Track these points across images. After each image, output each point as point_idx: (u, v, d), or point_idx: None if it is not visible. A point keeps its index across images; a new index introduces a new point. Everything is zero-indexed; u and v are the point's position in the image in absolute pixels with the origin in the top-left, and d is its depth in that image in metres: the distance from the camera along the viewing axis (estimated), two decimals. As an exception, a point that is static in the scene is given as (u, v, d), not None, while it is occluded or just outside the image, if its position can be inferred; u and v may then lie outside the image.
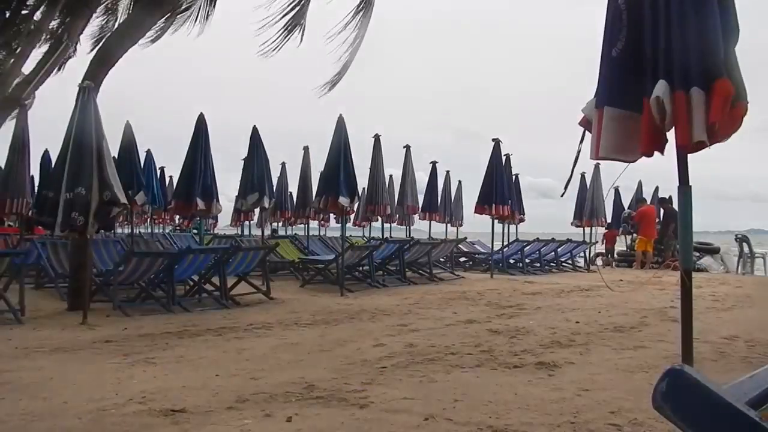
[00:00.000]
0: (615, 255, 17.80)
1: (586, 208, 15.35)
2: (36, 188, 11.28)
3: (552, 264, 14.71)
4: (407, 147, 15.06)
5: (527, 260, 14.12)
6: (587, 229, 15.56)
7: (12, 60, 14.84)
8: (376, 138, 12.86)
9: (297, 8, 9.85)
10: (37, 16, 13.86)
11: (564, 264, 14.99)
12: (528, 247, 14.25)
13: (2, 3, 12.74)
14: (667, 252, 15.05)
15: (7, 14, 13.14)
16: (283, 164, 16.03)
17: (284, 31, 9.96)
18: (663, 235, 15.42)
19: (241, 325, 6.42)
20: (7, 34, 14.27)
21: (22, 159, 10.11)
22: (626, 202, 17.48)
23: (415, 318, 6.97)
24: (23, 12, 13.49)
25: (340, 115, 10.32)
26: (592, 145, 3.21)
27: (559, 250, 14.68)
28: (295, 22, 9.99)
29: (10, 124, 12.27)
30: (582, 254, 15.78)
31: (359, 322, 6.74)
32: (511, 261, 14.24)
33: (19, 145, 10.00)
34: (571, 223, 15.79)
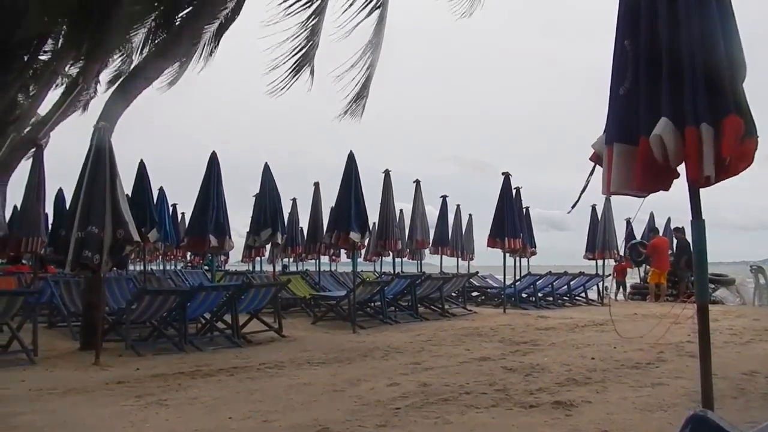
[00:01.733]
0: (628, 288, 17.61)
1: (599, 241, 15.27)
2: (50, 226, 11.41)
3: (565, 298, 14.56)
4: (417, 181, 15.14)
5: (540, 294, 14.00)
6: (600, 262, 15.46)
7: (29, 101, 15.19)
8: (386, 173, 12.95)
9: (305, 49, 10.02)
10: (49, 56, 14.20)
11: (577, 298, 14.84)
12: (540, 281, 14.14)
13: (21, 47, 13.09)
14: (681, 284, 14.88)
15: (26, 58, 13.49)
16: (294, 200, 16.13)
17: (292, 71, 10.11)
18: (676, 266, 15.26)
19: (253, 364, 6.37)
20: (24, 77, 14.61)
21: (37, 198, 10.27)
22: (639, 233, 17.36)
23: (429, 356, 6.90)
24: (41, 56, 13.85)
25: (351, 151, 10.44)
26: (603, 180, 3.24)
27: (572, 283, 14.55)
28: (303, 62, 10.15)
29: (26, 164, 12.50)
30: (596, 287, 15.62)
31: (372, 360, 6.68)
32: (524, 295, 14.11)
33: (35, 185, 10.18)
34: (584, 256, 15.69)
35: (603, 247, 15.23)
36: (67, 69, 13.95)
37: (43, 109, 14.59)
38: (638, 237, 17.04)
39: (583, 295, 15.05)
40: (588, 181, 3.44)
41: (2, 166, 11.31)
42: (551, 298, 14.23)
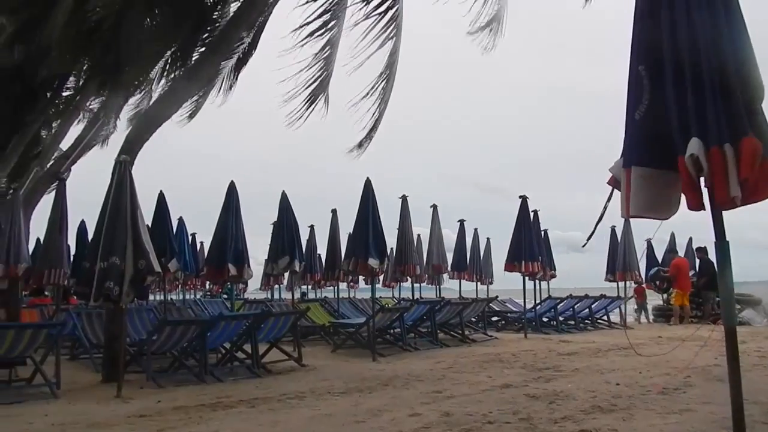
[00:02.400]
0: (650, 310, 17.32)
1: (619, 262, 15.08)
2: (72, 258, 11.55)
3: (587, 321, 14.36)
4: (434, 206, 15.13)
5: (561, 318, 13.83)
6: (621, 284, 15.25)
7: (51, 136, 15.54)
8: (404, 199, 12.97)
9: (319, 80, 10.16)
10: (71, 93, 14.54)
11: (599, 321, 14.62)
12: (561, 305, 13.98)
13: (45, 84, 13.44)
14: (706, 305, 14.59)
15: (49, 95, 13.85)
16: (312, 227, 16.19)
17: (307, 102, 10.25)
18: (700, 287, 14.99)
19: (274, 395, 6.35)
20: (47, 113, 14.98)
21: (60, 230, 10.45)
22: (659, 254, 17.12)
23: (450, 383, 6.82)
24: (63, 93, 14.20)
25: (367, 177, 10.50)
26: (622, 203, 3.23)
27: (593, 306, 14.36)
28: (318, 92, 10.29)
29: (48, 197, 12.74)
30: (618, 310, 15.38)
31: (393, 389, 6.61)
32: (545, 319, 13.95)
33: (58, 218, 10.36)
34: (605, 278, 15.50)
35: (624, 269, 15.04)
36: (88, 104, 14.30)
37: (65, 143, 14.95)
38: (659, 257, 16.82)
39: (605, 318, 14.84)
40: (605, 208, 3.44)
41: (26, 200, 11.55)
42: (573, 322, 14.04)
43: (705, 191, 2.89)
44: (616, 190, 3.33)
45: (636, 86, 3.17)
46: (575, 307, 14.09)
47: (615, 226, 15.45)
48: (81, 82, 14.00)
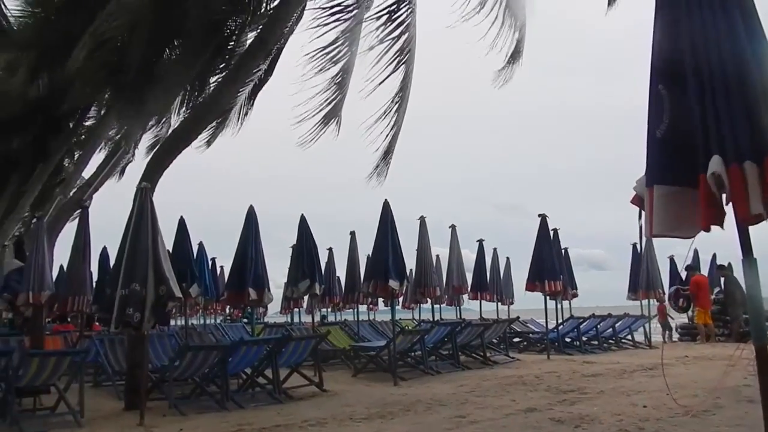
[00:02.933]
0: (676, 329, 16.98)
1: (642, 280, 14.85)
2: (94, 285, 11.67)
3: (611, 341, 14.12)
4: (453, 227, 15.07)
5: (584, 338, 13.62)
6: (644, 302, 15.00)
7: (74, 165, 15.84)
8: (422, 220, 12.95)
9: (333, 104, 10.26)
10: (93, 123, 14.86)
11: (623, 341, 14.37)
12: (584, 324, 13.77)
13: (68, 115, 13.74)
14: (734, 323, 14.29)
15: (71, 125, 14.15)
16: (330, 249, 16.22)
17: (321, 124, 10.33)
18: (726, 304, 14.68)
19: (295, 422, 6.30)
20: (70, 143, 15.30)
21: (83, 258, 10.58)
22: (684, 272, 16.81)
23: (473, 408, 6.72)
24: (85, 123, 14.51)
25: (386, 200, 10.52)
26: (645, 223, 3.19)
27: (617, 325, 14.13)
28: (331, 115, 10.38)
29: (71, 224, 12.94)
30: (642, 329, 15.10)
31: (415, 414, 6.53)
32: (568, 339, 13.74)
33: (81, 245, 10.50)
34: (628, 297, 15.27)
35: (647, 287, 14.80)
36: (109, 134, 14.57)
37: (87, 172, 15.23)
38: (684, 277, 16.52)
39: (629, 337, 14.58)
40: (641, 228, 3.38)
41: (50, 227, 11.74)
42: (596, 342, 13.81)
43: (729, 207, 2.85)
44: (642, 210, 3.30)
45: (656, 105, 3.16)
46: (598, 326, 13.87)
47: (636, 243, 15.28)
48: (102, 112, 14.30)
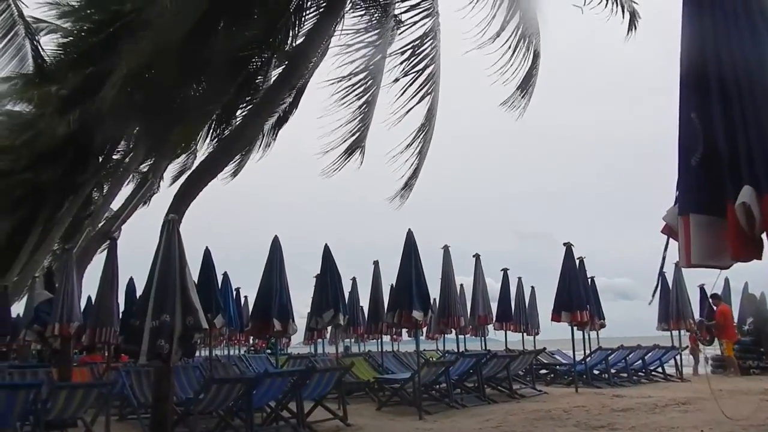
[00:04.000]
0: (707, 360, 16.50)
1: (672, 310, 14.52)
2: (121, 316, 11.76)
3: (641, 373, 13.77)
4: (477, 256, 14.97)
5: (613, 370, 13.30)
6: (675, 333, 14.65)
7: (103, 197, 16.17)
8: (446, 249, 12.91)
9: (357, 135, 10.37)
10: (126, 157, 15.20)
11: (654, 373, 14.00)
12: (613, 356, 13.46)
13: (97, 148, 14.07)
14: (768, 355, 13.88)
15: (101, 158, 14.48)
16: (354, 279, 16.16)
17: (345, 154, 10.44)
18: (762, 336, 14.27)
19: (321, 456, 6.21)
20: (99, 175, 15.64)
21: (111, 289, 10.69)
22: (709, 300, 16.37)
23: (501, 443, 6.57)
24: (114, 156, 14.84)
25: (409, 229, 10.50)
26: (680, 253, 3.12)
27: (647, 357, 13.79)
28: (355, 146, 10.48)
29: (100, 256, 13.12)
30: (673, 361, 14.71)
31: (442, 449, 6.40)
32: (596, 372, 13.44)
33: (109, 277, 10.62)
34: (658, 327, 14.91)
35: (678, 317, 14.46)
36: (137, 166, 14.87)
37: (115, 204, 15.51)
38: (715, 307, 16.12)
39: (659, 369, 14.20)
40: (664, 258, 3.33)
41: (79, 259, 11.92)
42: (625, 375, 13.48)
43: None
44: (672, 240, 3.24)
45: (689, 133, 3.12)
46: (627, 358, 13.55)
47: (666, 272, 14.98)
48: (131, 146, 14.62)
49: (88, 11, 11.49)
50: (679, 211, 3.11)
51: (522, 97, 11.02)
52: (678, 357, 14.58)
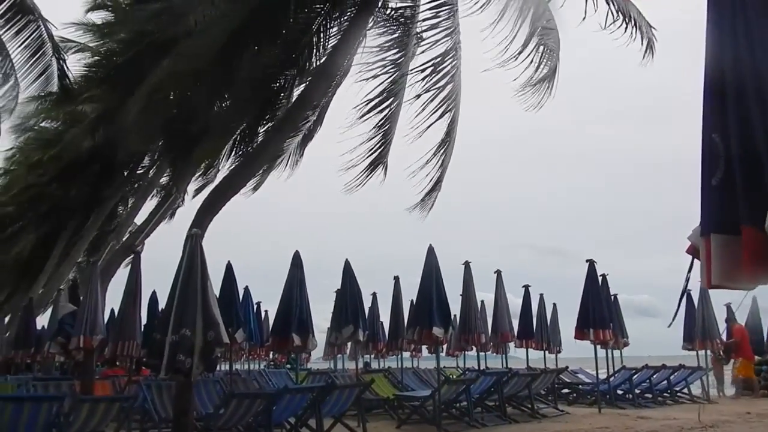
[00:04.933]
0: (732, 382, 16.11)
1: (697, 329, 14.22)
2: (143, 329, 11.88)
3: (666, 394, 13.48)
4: (498, 272, 14.85)
5: (637, 390, 13.03)
6: (701, 352, 14.34)
7: (127, 212, 16.44)
8: (466, 265, 12.83)
9: (378, 151, 10.43)
10: (150, 173, 15.47)
11: (680, 394, 13.69)
12: (637, 376, 13.20)
13: (121, 163, 14.34)
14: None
15: (125, 173, 14.75)
16: (374, 294, 16.12)
17: (367, 170, 10.51)
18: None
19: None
20: (124, 190, 15.91)
21: (134, 302, 10.80)
22: (741, 319, 16.03)
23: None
24: (138, 171, 15.11)
25: (430, 245, 10.48)
26: (702, 273, 3.08)
27: (672, 377, 13.50)
28: (377, 161, 10.54)
29: (123, 270, 13.32)
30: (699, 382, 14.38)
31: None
32: (620, 392, 13.18)
33: (132, 290, 10.73)
34: (683, 347, 14.62)
35: (704, 336, 14.15)
36: (161, 181, 15.12)
37: (139, 218, 15.77)
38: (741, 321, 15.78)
39: (685, 390, 13.89)
40: (687, 279, 3.29)
41: (103, 272, 12.11)
42: (650, 395, 13.20)
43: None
44: (696, 260, 3.21)
45: (711, 153, 3.09)
46: (652, 378, 13.28)
47: (691, 290, 14.70)
48: (155, 161, 14.88)
49: (114, 30, 11.78)
50: (700, 231, 3.08)
51: (536, 91, 10.95)
52: (705, 378, 14.25)
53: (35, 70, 11.73)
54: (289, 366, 18.99)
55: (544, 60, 10.36)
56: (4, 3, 10.71)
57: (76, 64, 12.57)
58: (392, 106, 9.96)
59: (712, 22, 3.25)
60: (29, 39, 11.44)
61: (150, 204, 15.40)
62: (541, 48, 10.27)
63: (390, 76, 9.87)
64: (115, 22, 12.02)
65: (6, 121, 13.63)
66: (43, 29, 11.50)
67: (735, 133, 2.93)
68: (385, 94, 9.74)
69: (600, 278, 12.82)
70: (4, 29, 11.08)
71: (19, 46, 11.46)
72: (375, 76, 9.69)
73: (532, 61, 10.15)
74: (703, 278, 3.08)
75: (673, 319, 3.47)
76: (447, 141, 10.73)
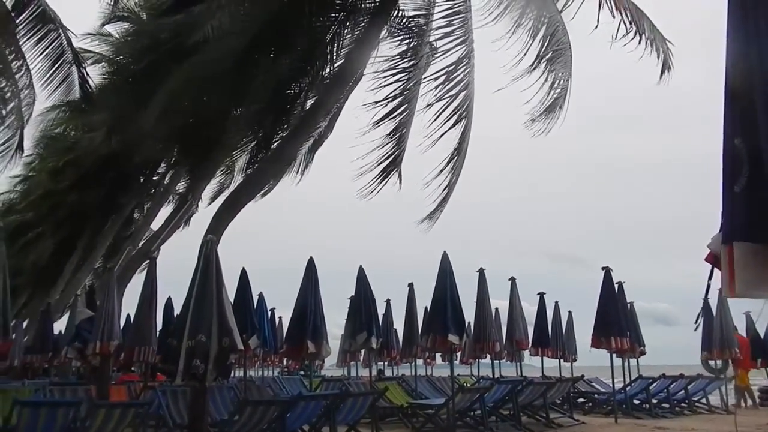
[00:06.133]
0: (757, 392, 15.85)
1: (716, 337, 14.00)
2: (158, 334, 11.93)
3: (684, 404, 13.28)
4: (512, 279, 14.75)
5: (654, 400, 12.86)
6: (720, 362, 14.11)
7: (143, 218, 16.58)
8: (481, 272, 12.75)
9: (391, 158, 10.44)
10: (166, 180, 15.61)
11: (698, 404, 13.49)
12: (654, 385, 13.03)
13: (138, 170, 14.48)
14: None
15: (141, 179, 14.89)
16: (388, 301, 16.07)
17: (380, 177, 10.51)
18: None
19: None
20: (140, 196, 16.06)
21: (149, 308, 10.88)
22: (761, 329, 15.77)
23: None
24: (154, 177, 15.25)
25: (444, 252, 10.45)
26: (724, 282, 3.03)
27: (690, 387, 13.31)
28: (390, 168, 10.55)
29: (139, 275, 13.41)
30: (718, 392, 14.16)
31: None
32: (636, 401, 13.02)
33: (148, 296, 10.81)
34: (702, 356, 14.39)
35: (722, 345, 13.93)
36: (176, 188, 15.25)
37: (155, 224, 15.90)
38: (761, 333, 15.51)
39: (704, 400, 13.68)
40: (708, 287, 3.24)
41: (119, 278, 12.21)
42: (667, 405, 13.02)
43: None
44: (716, 269, 3.16)
45: (733, 159, 3.04)
46: (670, 387, 13.10)
47: (709, 298, 14.49)
48: (171, 167, 15.01)
49: (131, 40, 11.92)
50: (722, 239, 3.03)
51: (547, 118, 10.96)
52: (723, 388, 14.04)
53: (55, 78, 11.89)
54: (302, 373, 18.97)
55: (557, 83, 10.39)
56: (26, 12, 10.88)
57: (93, 73, 12.74)
58: (405, 113, 9.97)
59: (733, 23, 3.22)
60: (50, 48, 11.61)
61: (166, 210, 15.53)
62: (552, 75, 10.30)
63: (402, 84, 9.88)
64: (133, 32, 12.16)
65: (26, 129, 13.82)
66: (63, 38, 11.67)
67: (762, 137, 2.89)
68: (397, 101, 9.75)
69: (616, 285, 12.69)
70: (26, 38, 11.24)
71: (40, 55, 11.63)
72: (388, 84, 9.71)
73: (545, 81, 10.20)
74: (725, 287, 3.03)
75: (696, 324, 3.43)
76: (459, 150, 10.71)
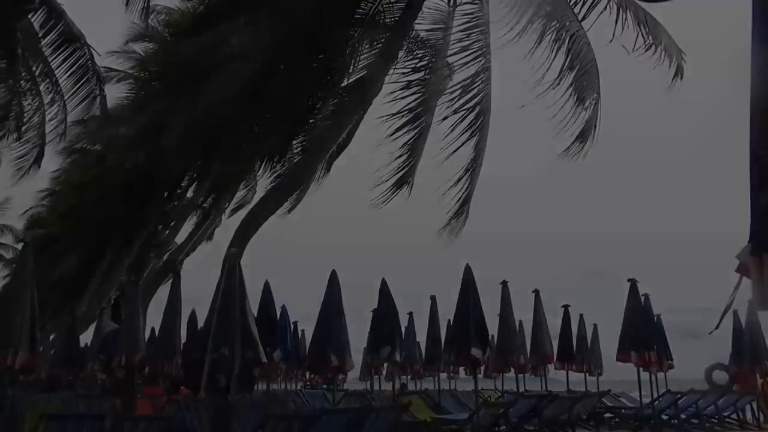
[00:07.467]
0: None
1: (746, 351, 13.67)
2: (182, 347, 12.02)
3: (714, 420, 12.95)
4: (536, 291, 14.62)
5: (683, 416, 12.56)
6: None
7: (168, 232, 16.79)
8: (504, 284, 12.66)
9: (406, 169, 10.44)
10: (190, 193, 15.82)
11: (728, 420, 13.14)
12: (683, 400, 12.73)
13: (163, 185, 14.69)
14: None
15: (166, 194, 15.10)
16: (411, 314, 15.97)
17: (394, 187, 10.51)
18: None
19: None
20: (164, 210, 16.28)
21: (173, 322, 10.98)
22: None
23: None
24: (178, 191, 15.46)
25: (467, 264, 10.38)
26: (755, 293, 2.97)
27: (719, 402, 12.97)
28: (404, 180, 10.55)
29: (164, 288, 13.56)
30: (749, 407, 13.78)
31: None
32: (665, 417, 12.72)
33: (172, 309, 10.92)
34: (730, 372, 14.07)
35: (753, 360, 13.59)
36: (200, 202, 15.44)
37: (179, 237, 16.09)
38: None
39: (734, 416, 13.32)
40: (733, 298, 3.17)
41: (144, 291, 12.37)
42: (697, 420, 12.69)
43: None
44: (745, 278, 3.10)
45: (760, 170, 3.00)
46: (698, 402, 12.78)
47: (737, 309, 14.16)
48: (194, 181, 15.21)
49: (156, 58, 12.16)
50: (751, 250, 2.98)
51: (581, 144, 10.96)
52: (755, 402, 13.67)
53: (80, 93, 12.18)
54: (325, 386, 18.92)
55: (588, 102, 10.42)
56: (54, 32, 11.18)
57: (119, 90, 13.03)
58: (421, 125, 10.00)
59: (758, 34, 3.17)
60: (75, 66, 11.90)
61: (189, 224, 15.72)
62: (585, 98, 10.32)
63: (419, 97, 9.91)
64: (157, 50, 12.41)
65: (54, 144, 14.12)
66: (88, 55, 11.95)
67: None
68: (413, 115, 9.78)
69: (642, 298, 12.49)
70: (54, 56, 11.54)
71: (66, 72, 11.92)
72: (404, 97, 9.75)
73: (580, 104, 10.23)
74: (755, 300, 2.96)
75: (715, 328, 3.35)
76: (475, 163, 10.67)
